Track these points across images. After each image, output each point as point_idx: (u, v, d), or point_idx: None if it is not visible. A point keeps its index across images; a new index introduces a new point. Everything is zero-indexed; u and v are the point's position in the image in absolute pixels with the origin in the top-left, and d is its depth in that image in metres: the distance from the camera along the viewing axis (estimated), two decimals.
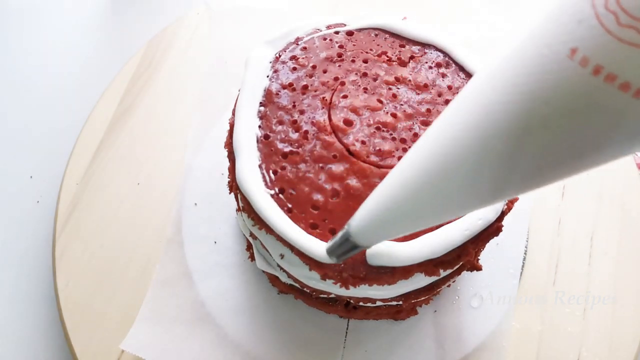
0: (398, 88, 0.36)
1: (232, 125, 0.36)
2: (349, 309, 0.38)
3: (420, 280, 0.34)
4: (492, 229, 0.33)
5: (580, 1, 0.15)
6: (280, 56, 0.38)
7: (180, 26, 0.55)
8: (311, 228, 0.31)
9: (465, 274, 0.39)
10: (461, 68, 0.38)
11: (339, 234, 0.26)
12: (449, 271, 0.34)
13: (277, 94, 0.36)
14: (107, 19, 0.61)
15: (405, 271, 0.31)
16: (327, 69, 0.37)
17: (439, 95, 0.36)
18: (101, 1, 0.62)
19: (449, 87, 0.37)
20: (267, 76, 0.36)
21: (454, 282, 0.38)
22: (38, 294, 0.44)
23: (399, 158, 0.33)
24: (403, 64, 0.38)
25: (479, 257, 0.36)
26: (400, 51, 0.38)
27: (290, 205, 0.32)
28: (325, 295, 0.36)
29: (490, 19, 0.56)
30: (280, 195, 0.32)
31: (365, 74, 0.37)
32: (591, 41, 0.15)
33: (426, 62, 0.38)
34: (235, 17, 0.55)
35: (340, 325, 0.40)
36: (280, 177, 0.33)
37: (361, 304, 0.36)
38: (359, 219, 0.24)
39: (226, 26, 0.54)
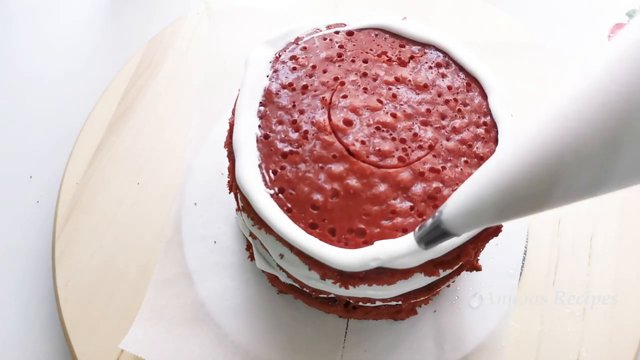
0: (398, 88, 0.36)
1: (231, 125, 0.36)
2: (349, 309, 0.38)
3: (419, 281, 0.34)
4: (492, 230, 0.33)
5: None
6: (280, 56, 0.38)
7: (180, 26, 0.55)
8: (311, 228, 0.31)
9: (464, 274, 0.39)
10: (461, 68, 0.38)
11: (429, 221, 0.25)
12: (448, 271, 0.34)
13: (277, 94, 0.36)
14: (107, 19, 0.61)
15: (404, 271, 0.31)
16: (327, 69, 0.37)
17: (439, 95, 0.36)
18: (101, 1, 0.62)
19: (449, 87, 0.37)
20: (267, 76, 0.36)
21: (453, 282, 0.38)
22: (38, 294, 0.44)
23: (399, 158, 0.33)
24: (403, 64, 0.38)
25: (478, 257, 0.36)
26: (400, 51, 0.38)
27: (289, 205, 0.32)
28: (324, 295, 0.36)
29: (490, 19, 0.57)
30: (280, 195, 0.32)
31: (365, 74, 0.37)
32: None
33: (426, 62, 0.38)
34: (235, 17, 0.55)
35: (340, 325, 0.40)
36: (280, 177, 0.33)
37: (361, 304, 0.36)
38: (452, 206, 0.23)
39: (226, 26, 0.54)
